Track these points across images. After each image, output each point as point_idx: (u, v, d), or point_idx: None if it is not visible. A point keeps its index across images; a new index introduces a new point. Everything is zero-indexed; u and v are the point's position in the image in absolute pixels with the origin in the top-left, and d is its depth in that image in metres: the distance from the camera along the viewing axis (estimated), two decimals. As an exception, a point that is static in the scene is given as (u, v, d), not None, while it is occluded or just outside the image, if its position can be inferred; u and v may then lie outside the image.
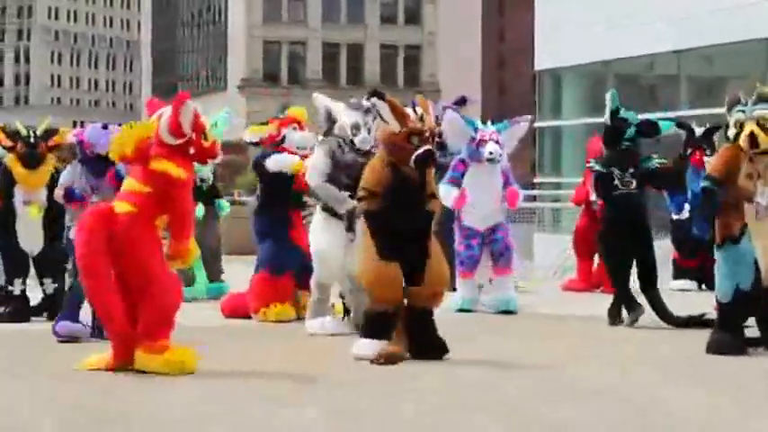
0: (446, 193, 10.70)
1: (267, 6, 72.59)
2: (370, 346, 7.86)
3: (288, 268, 10.27)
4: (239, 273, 11.72)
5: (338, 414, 6.32)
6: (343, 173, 9.20)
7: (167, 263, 7.46)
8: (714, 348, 8.35)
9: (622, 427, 6.10)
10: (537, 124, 26.61)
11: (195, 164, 12.11)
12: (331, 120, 9.45)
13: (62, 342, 8.75)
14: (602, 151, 10.75)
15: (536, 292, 13.40)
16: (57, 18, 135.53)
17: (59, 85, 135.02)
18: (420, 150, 7.74)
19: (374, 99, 7.97)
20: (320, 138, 9.66)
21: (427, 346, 8.01)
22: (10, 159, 10.33)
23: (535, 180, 27.67)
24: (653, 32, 22.71)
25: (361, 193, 7.96)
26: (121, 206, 7.39)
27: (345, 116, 9.37)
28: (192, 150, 7.52)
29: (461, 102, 12.15)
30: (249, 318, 10.32)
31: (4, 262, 10.27)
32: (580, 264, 13.56)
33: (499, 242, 11.11)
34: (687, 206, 12.46)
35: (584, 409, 6.48)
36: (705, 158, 12.78)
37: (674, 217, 13.01)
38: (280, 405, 6.51)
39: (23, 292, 10.19)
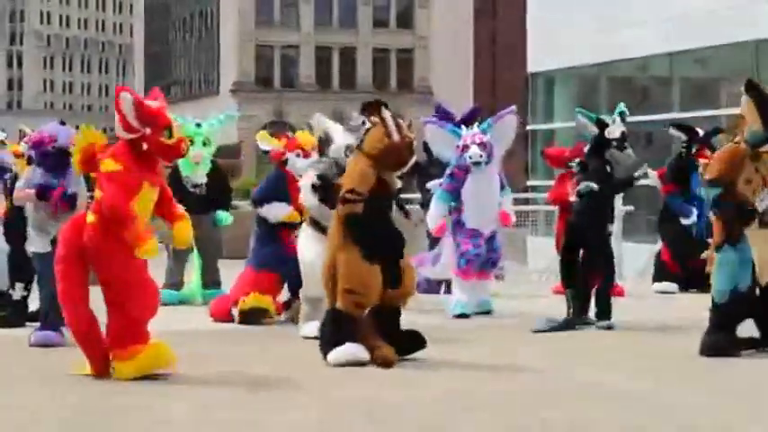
0: (431, 217, 11.17)
1: (260, 11, 72.49)
2: (351, 351, 7.89)
3: (271, 266, 10.45)
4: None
5: (328, 416, 6.31)
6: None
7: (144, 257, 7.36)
8: (708, 350, 8.37)
9: (611, 427, 6.10)
10: (530, 127, 26.63)
11: (187, 168, 12.15)
12: (328, 142, 9.54)
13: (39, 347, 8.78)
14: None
15: (529, 295, 13.39)
16: (49, 22, 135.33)
17: (52, 89, 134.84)
18: (413, 159, 8.20)
19: (385, 111, 8.17)
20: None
21: (406, 340, 8.10)
22: (21, 163, 10.25)
23: (528, 183, 27.67)
24: (645, 35, 22.73)
25: (350, 196, 7.99)
26: (89, 216, 7.45)
27: (342, 138, 9.41)
28: (144, 146, 7.37)
29: (474, 113, 12.26)
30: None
31: (9, 266, 10.21)
32: None
33: (497, 251, 11.17)
34: (694, 210, 12.54)
35: (577, 409, 6.48)
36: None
37: (685, 222, 13.04)
38: (269, 408, 6.50)
39: (24, 298, 10.13)
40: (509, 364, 8.14)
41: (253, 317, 10.34)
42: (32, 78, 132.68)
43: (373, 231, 7.99)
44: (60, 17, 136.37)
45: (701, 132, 13.42)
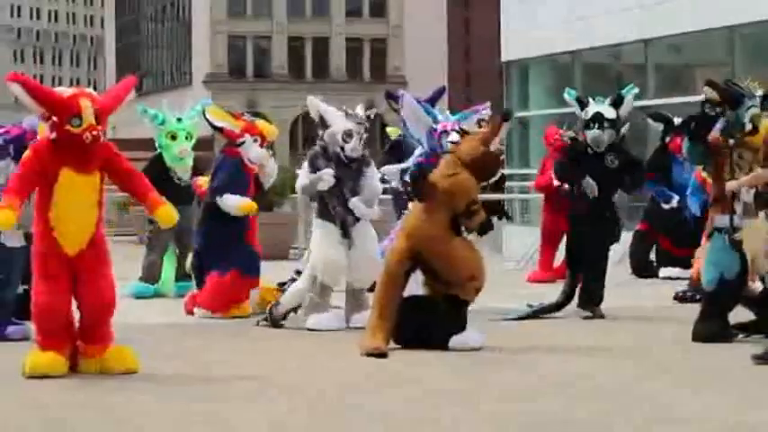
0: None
1: (231, 0, 72.28)
2: (475, 338, 8.20)
3: (240, 267, 10.29)
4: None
5: (299, 410, 6.22)
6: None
7: None
8: (700, 336, 8.40)
9: (602, 418, 6.04)
10: (504, 116, 26.38)
11: (172, 161, 12.00)
12: (324, 125, 9.43)
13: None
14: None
15: (504, 284, 13.32)
16: (19, 16, 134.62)
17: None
18: (498, 176, 8.55)
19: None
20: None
21: None
22: None
23: (503, 171, 27.52)
24: (620, 21, 22.67)
25: (476, 207, 8.24)
26: None
27: (339, 123, 9.35)
28: (53, 135, 7.23)
29: (441, 92, 12.05)
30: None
31: None
32: (543, 254, 13.64)
33: None
34: (675, 196, 12.64)
35: (566, 401, 6.41)
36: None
37: (665, 207, 13.14)
38: (241, 402, 6.41)
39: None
40: (487, 356, 8.07)
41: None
42: (3, 72, 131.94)
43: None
44: (31, 10, 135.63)
45: (676, 121, 13.46)
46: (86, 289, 7.24)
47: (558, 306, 10.08)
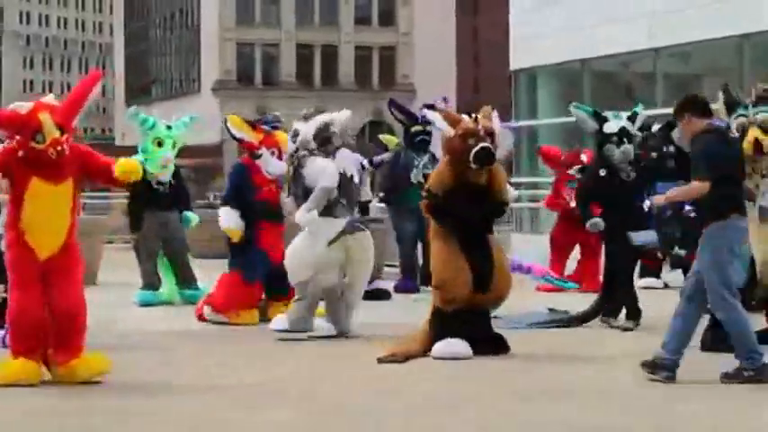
0: None
1: (240, 8, 72.34)
2: (450, 346, 8.05)
3: (259, 276, 10.39)
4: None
5: (308, 416, 6.21)
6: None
7: None
8: (707, 345, 8.36)
9: (603, 421, 6.02)
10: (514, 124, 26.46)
11: (153, 168, 12.00)
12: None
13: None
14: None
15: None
16: (28, 22, 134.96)
17: (32, 89, 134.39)
18: (477, 147, 8.10)
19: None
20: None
21: (492, 344, 8.29)
22: None
23: (512, 180, 27.52)
24: (629, 30, 22.68)
25: (424, 194, 8.37)
26: None
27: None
28: (20, 152, 7.17)
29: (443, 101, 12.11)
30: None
31: None
32: (553, 263, 13.61)
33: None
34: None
35: (567, 404, 6.40)
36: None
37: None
38: (250, 408, 6.40)
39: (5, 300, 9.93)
40: (493, 363, 8.06)
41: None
42: (12, 79, 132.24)
43: (455, 230, 8.16)
44: (39, 17, 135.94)
45: (654, 128, 13.40)
46: (55, 295, 7.18)
47: (579, 319, 10.04)
